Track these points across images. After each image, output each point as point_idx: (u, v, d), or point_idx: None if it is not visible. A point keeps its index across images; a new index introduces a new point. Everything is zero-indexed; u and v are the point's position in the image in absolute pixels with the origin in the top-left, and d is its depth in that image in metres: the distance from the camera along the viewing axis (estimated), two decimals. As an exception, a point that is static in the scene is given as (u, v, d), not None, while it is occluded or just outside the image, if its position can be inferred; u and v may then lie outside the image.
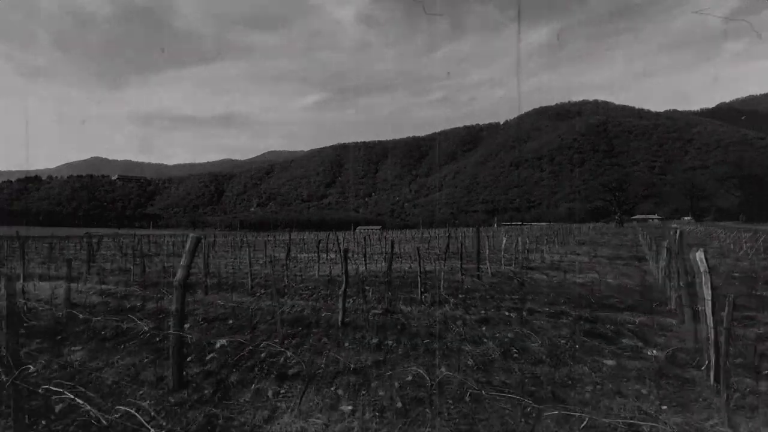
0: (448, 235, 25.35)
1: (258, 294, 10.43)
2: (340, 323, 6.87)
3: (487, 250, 13.96)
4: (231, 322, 7.35)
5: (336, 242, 15.18)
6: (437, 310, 7.98)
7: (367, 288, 11.09)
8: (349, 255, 23.58)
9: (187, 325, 7.18)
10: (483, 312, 8.01)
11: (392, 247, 8.67)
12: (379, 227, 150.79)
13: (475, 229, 12.65)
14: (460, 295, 9.89)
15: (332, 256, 21.74)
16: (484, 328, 6.80)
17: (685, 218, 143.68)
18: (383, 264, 17.16)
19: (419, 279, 9.52)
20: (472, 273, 12.80)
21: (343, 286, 7.04)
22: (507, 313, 7.89)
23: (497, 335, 6.39)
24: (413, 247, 26.85)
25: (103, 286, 11.87)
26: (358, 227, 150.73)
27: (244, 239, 45.55)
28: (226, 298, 9.75)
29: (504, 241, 15.08)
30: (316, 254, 21.91)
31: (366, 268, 15.53)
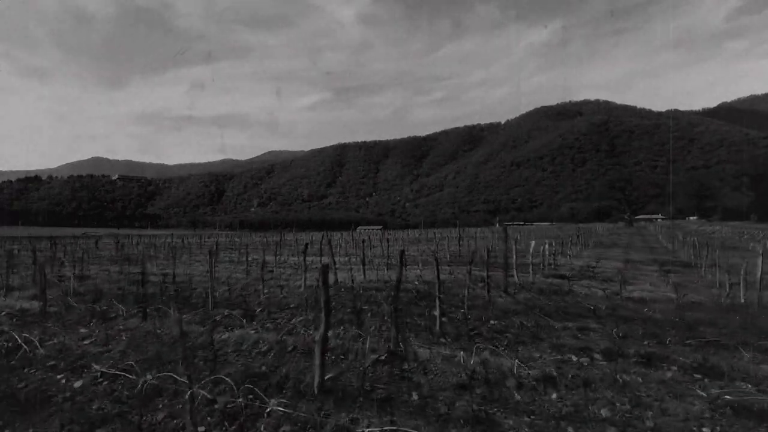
0: (458, 236, 22.61)
1: (217, 317, 7.75)
2: (316, 388, 4.18)
3: (515, 256, 11.29)
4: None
5: (329, 245, 12.49)
6: (470, 355, 5.28)
7: (364, 308, 8.40)
8: (347, 259, 20.89)
9: (78, 384, 4.51)
10: (539, 356, 5.32)
11: (402, 258, 5.97)
12: (380, 227, 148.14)
13: (503, 229, 9.93)
14: (493, 322, 7.20)
15: (326, 260, 19.05)
16: (554, 397, 4.11)
17: (691, 218, 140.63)
18: (386, 271, 14.48)
19: (438, 300, 6.82)
20: (499, 285, 10.12)
21: (321, 328, 4.29)
22: (576, 359, 5.20)
23: (586, 416, 3.71)
24: (419, 249, 24.11)
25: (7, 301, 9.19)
26: (359, 227, 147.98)
27: (205, 240, 43.08)
28: (169, 326, 7.07)
29: (533, 244, 12.39)
30: (309, 259, 19.22)
31: (365, 277, 12.86)
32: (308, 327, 6.98)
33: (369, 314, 7.97)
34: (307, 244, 10.97)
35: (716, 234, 36.13)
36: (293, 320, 7.53)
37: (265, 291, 10.73)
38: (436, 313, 7.06)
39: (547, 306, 8.62)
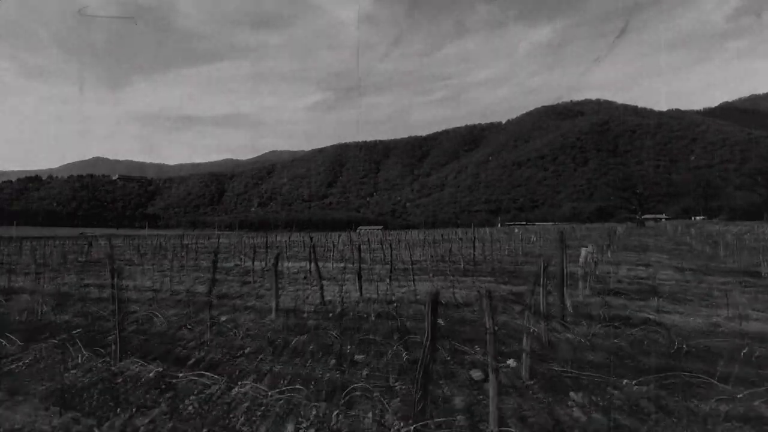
0: (473, 238, 19.42)
1: (125, 373, 4.72)
2: None
3: (565, 269, 8.18)
4: None
5: (313, 251, 9.50)
6: None
7: (357, 360, 5.35)
8: (342, 266, 17.81)
9: None
10: None
11: (435, 314, 2.87)
12: (381, 227, 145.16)
13: (559, 235, 6.88)
14: (576, 397, 4.16)
15: (320, 266, 15.83)
16: None
17: (698, 218, 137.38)
18: (388, 283, 11.42)
19: (495, 363, 3.75)
20: (551, 312, 7.06)
21: None
22: None
23: None
24: (426, 253, 20.93)
25: None
26: (360, 227, 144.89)
27: (190, 242, 40.18)
28: (14, 409, 4.06)
29: (583, 251, 9.39)
30: (298, 265, 16.09)
31: (361, 294, 9.82)
32: (259, 397, 3.94)
33: (365, 371, 4.93)
34: (278, 254, 7.95)
35: (747, 236, 32.98)
36: (242, 384, 4.49)
37: (223, 318, 7.71)
38: (481, 376, 4.00)
39: (638, 352, 5.56)
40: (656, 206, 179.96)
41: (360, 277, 9.71)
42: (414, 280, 12.09)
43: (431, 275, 13.11)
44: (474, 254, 16.39)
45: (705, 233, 33.66)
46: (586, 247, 9.63)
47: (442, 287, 11.22)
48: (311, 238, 13.10)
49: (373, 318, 7.54)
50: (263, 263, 18.98)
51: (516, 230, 47.03)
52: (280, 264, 18.01)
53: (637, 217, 73.68)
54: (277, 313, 7.61)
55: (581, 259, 9.34)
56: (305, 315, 7.91)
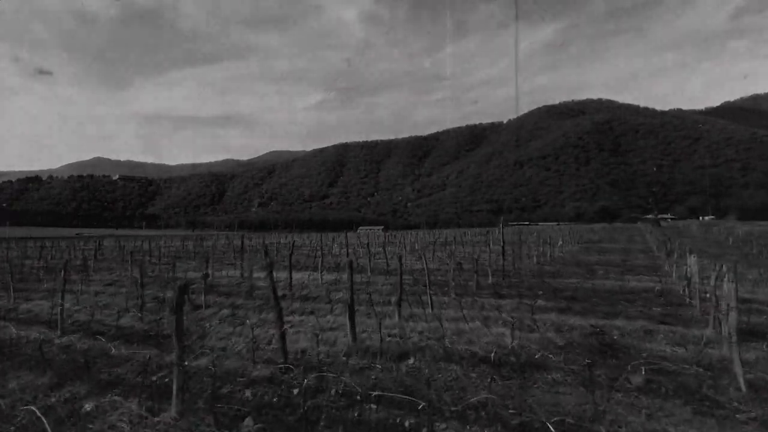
0: (501, 241, 15.68)
1: None
2: None
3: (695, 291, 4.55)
4: None
5: (269, 266, 5.89)
6: None
7: None
8: (334, 278, 14.17)
9: None
10: None
11: None
12: (381, 227, 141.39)
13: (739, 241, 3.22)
14: None
15: (306, 278, 12.11)
16: None
17: (706, 218, 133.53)
18: (397, 316, 7.72)
19: None
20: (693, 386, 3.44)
21: None
22: None
23: None
24: (438, 258, 17.08)
25: None
26: (360, 227, 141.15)
27: (167, 244, 36.56)
28: None
29: (692, 259, 5.24)
30: (278, 277, 12.03)
31: (354, 339, 6.13)
32: None
33: None
34: (185, 284, 4.26)
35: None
36: None
37: (87, 407, 4.05)
38: None
39: None
40: (664, 207, 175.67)
41: (353, 313, 6.02)
42: (432, 304, 8.41)
43: (454, 295, 9.43)
44: (504, 261, 12.73)
45: (744, 234, 29.99)
46: (727, 265, 5.98)
47: (475, 318, 7.55)
48: (292, 244, 9.45)
49: (374, 409, 3.86)
50: (240, 272, 15.36)
51: (534, 233, 43.28)
52: (252, 275, 14.23)
53: (653, 216, 69.84)
54: (184, 399, 3.91)
55: (694, 278, 5.70)
56: (246, 396, 4.23)
